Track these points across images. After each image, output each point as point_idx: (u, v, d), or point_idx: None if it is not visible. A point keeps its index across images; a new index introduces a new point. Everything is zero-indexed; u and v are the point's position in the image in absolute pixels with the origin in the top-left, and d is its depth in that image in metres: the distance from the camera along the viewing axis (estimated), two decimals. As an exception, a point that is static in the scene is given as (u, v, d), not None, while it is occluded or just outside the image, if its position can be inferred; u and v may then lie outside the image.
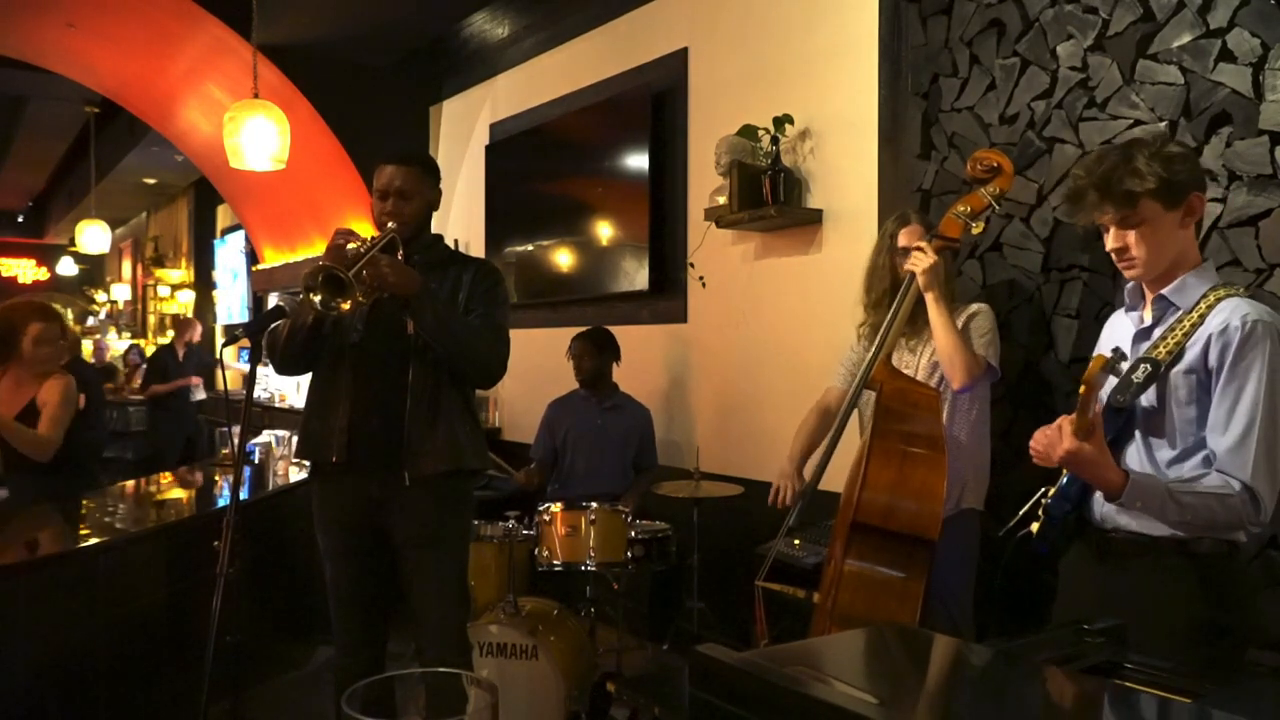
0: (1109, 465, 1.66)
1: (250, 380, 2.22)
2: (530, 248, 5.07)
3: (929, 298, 2.42)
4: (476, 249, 5.42)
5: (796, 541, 2.93)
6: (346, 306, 2.23)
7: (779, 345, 3.70)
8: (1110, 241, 1.78)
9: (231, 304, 9.37)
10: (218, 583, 2.03)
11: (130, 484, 4.09)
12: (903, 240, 2.59)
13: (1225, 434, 1.66)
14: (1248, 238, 2.33)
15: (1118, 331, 1.91)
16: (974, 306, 2.56)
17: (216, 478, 4.11)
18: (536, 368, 4.67)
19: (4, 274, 15.11)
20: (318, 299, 2.22)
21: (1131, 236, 1.74)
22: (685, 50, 4.15)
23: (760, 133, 3.52)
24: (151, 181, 10.67)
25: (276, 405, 7.33)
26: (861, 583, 2.25)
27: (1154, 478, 1.68)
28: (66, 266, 14.22)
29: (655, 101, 4.23)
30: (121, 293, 13.72)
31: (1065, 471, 1.79)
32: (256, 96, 4.02)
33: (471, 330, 2.47)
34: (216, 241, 10.00)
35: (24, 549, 2.80)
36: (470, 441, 2.53)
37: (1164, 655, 1.37)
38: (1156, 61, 2.50)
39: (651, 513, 3.55)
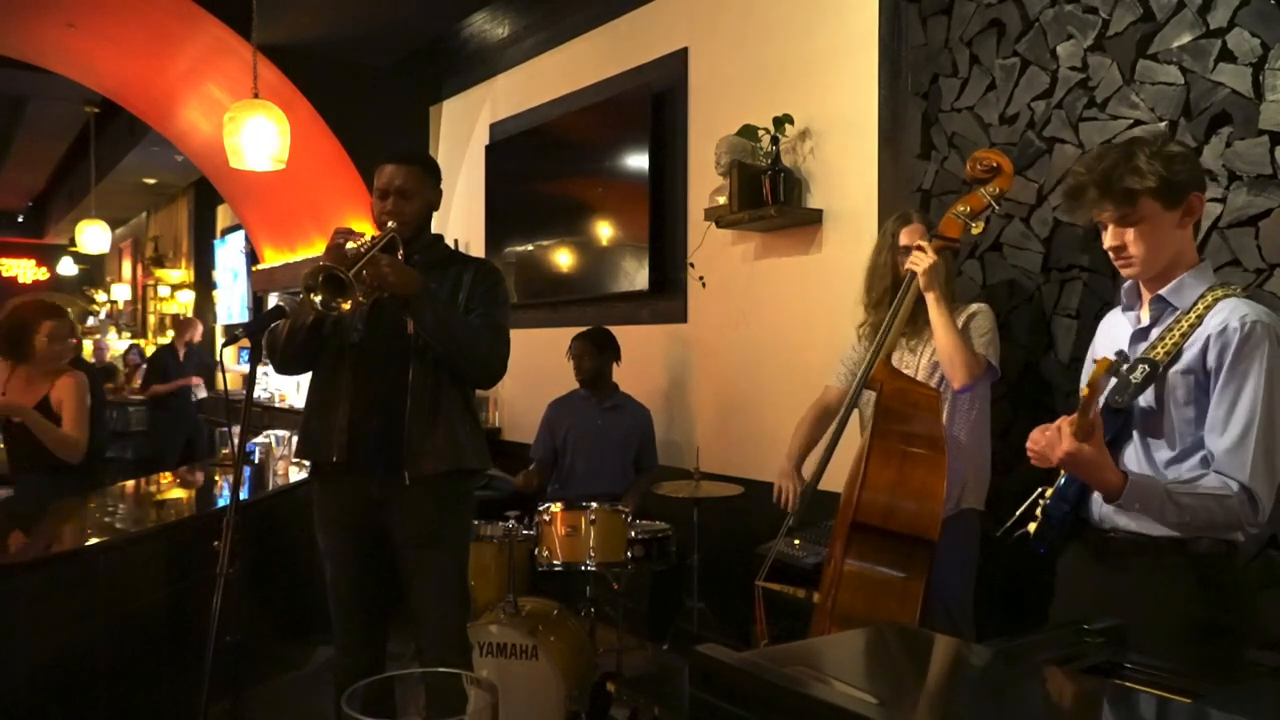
0: (1108, 466, 1.66)
1: (250, 380, 2.22)
2: (530, 248, 5.07)
3: (930, 298, 2.42)
4: (476, 249, 5.42)
5: (796, 541, 2.93)
6: (347, 306, 2.23)
7: (779, 345, 3.70)
8: (1108, 239, 1.78)
9: (231, 304, 9.37)
10: (218, 583, 2.03)
11: (130, 484, 4.09)
12: (904, 239, 2.59)
13: (1223, 435, 1.66)
14: (1248, 238, 2.33)
15: (1114, 331, 1.91)
16: (974, 306, 2.56)
17: (216, 478, 4.11)
18: (536, 368, 4.67)
19: (4, 274, 15.12)
20: (318, 299, 2.22)
21: (1130, 235, 1.74)
22: (685, 50, 4.15)
23: (760, 133, 3.52)
24: (151, 181, 10.66)
25: (276, 405, 7.33)
26: (861, 583, 2.25)
27: (1152, 479, 1.68)
28: (66, 266, 14.22)
29: (655, 101, 4.23)
30: (121, 293, 13.72)
31: (1063, 472, 1.79)
32: (256, 96, 4.02)
33: (472, 330, 2.47)
34: (216, 241, 10.00)
35: (24, 549, 2.80)
36: (470, 441, 2.53)
37: (1163, 655, 1.37)
38: (1156, 61, 2.50)
39: (651, 513, 3.55)
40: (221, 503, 3.56)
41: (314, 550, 2.58)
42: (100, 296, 14.68)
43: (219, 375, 8.13)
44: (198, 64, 5.88)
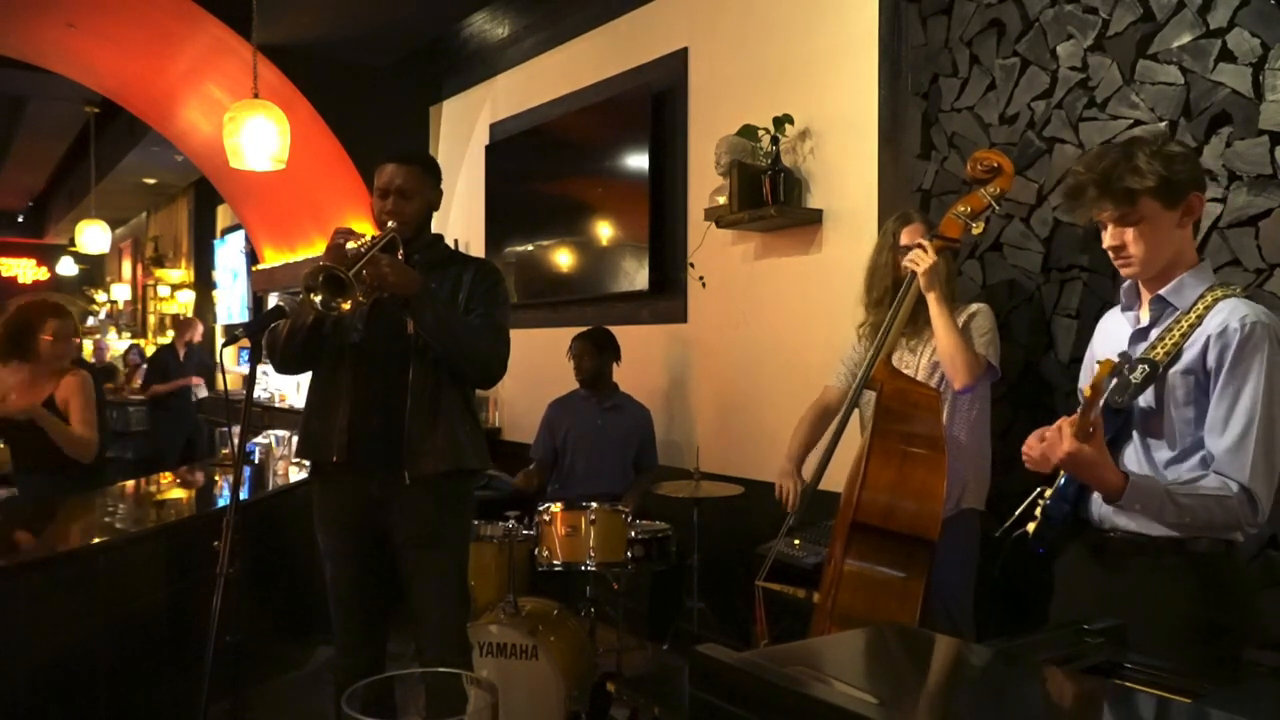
0: (1109, 467, 1.66)
1: (250, 380, 2.22)
2: (530, 248, 5.07)
3: (930, 298, 2.42)
4: (476, 249, 5.42)
5: (796, 541, 2.93)
6: (347, 306, 2.23)
7: (779, 345, 3.70)
8: (1108, 239, 1.78)
9: (231, 304, 9.37)
10: (218, 583, 2.03)
11: (130, 484, 4.09)
12: (905, 239, 2.59)
13: (1223, 436, 1.66)
14: (1248, 238, 2.33)
15: (1113, 331, 1.91)
16: (974, 306, 2.56)
17: (216, 478, 4.11)
18: (536, 368, 4.67)
19: (4, 274, 15.12)
20: (318, 299, 2.22)
21: (1129, 234, 1.74)
22: (685, 50, 4.15)
23: (760, 133, 3.52)
24: (151, 181, 10.66)
25: (276, 405, 7.33)
26: (861, 583, 2.25)
27: (1153, 479, 1.68)
28: (66, 266, 14.22)
29: (655, 101, 4.23)
30: (121, 293, 13.72)
31: (1062, 472, 1.79)
32: (256, 96, 4.02)
33: (472, 330, 2.47)
34: (216, 241, 10.01)
35: (24, 549, 2.80)
36: (470, 441, 2.53)
37: (1162, 654, 1.37)
38: (1156, 61, 2.50)
39: (651, 513, 3.55)
40: (221, 503, 3.56)
41: (314, 550, 2.58)
42: (100, 296, 14.68)
43: (219, 375, 8.12)
44: (198, 64, 5.88)
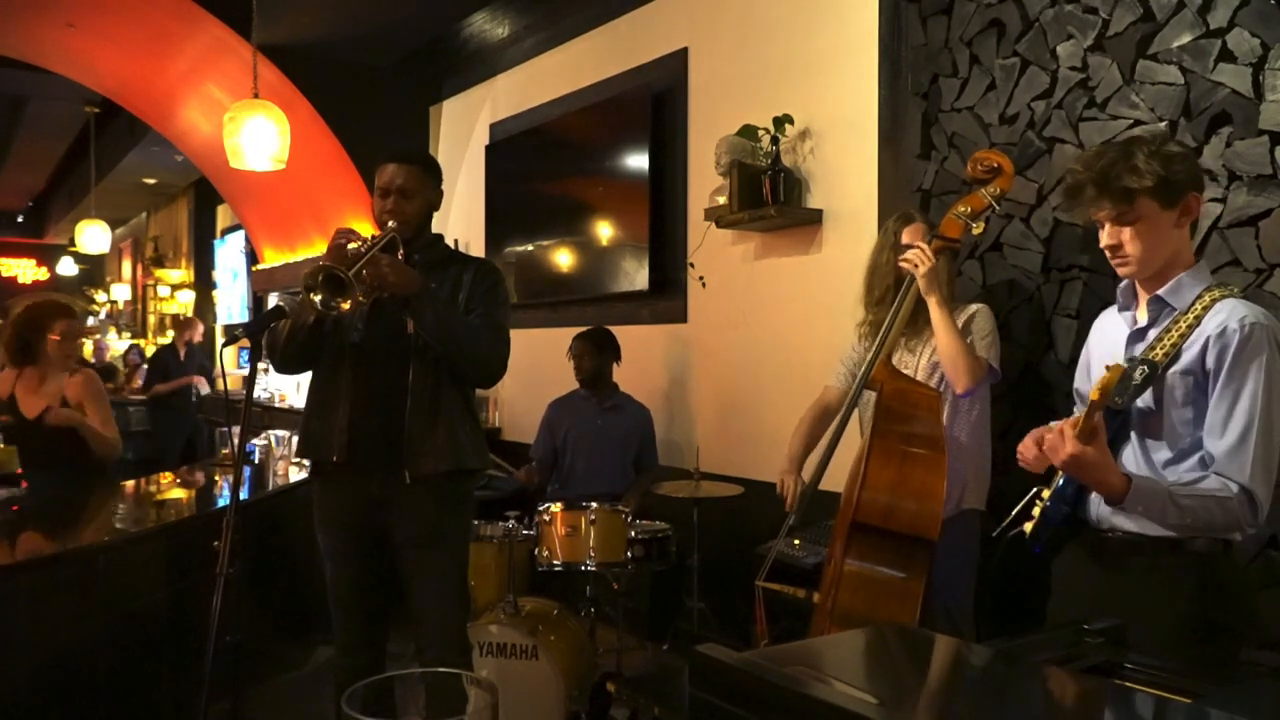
0: (1112, 469, 1.66)
1: (250, 380, 2.22)
2: (530, 248, 5.07)
3: (931, 302, 2.42)
4: (476, 249, 5.42)
5: (796, 541, 2.94)
6: (347, 306, 2.23)
7: (779, 345, 3.70)
8: (1105, 238, 1.78)
9: (231, 304, 9.37)
10: (218, 583, 2.03)
11: (130, 484, 4.09)
12: (906, 239, 2.59)
13: (1223, 437, 1.66)
14: (1248, 238, 2.33)
15: (1110, 331, 1.91)
16: (974, 307, 2.56)
17: (216, 478, 4.11)
18: (536, 368, 4.67)
19: (4, 274, 15.12)
20: (318, 298, 2.22)
21: (1126, 234, 1.74)
22: (685, 50, 4.15)
23: (760, 133, 3.52)
24: (151, 181, 10.67)
25: (276, 405, 7.33)
26: (861, 583, 2.25)
27: (1154, 481, 1.68)
28: (66, 266, 14.22)
29: (655, 101, 4.23)
30: (121, 293, 13.72)
31: (1061, 473, 1.79)
32: (256, 96, 4.02)
33: (472, 330, 2.47)
34: (216, 241, 10.01)
35: (24, 549, 2.81)
36: (470, 441, 2.53)
37: (1161, 654, 1.37)
38: (1156, 61, 2.50)
39: (651, 513, 3.55)
40: (221, 503, 3.56)
41: (314, 550, 2.58)
42: (100, 296, 14.68)
43: (219, 377, 8.13)
44: (198, 64, 5.88)
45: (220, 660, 2.00)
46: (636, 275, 4.29)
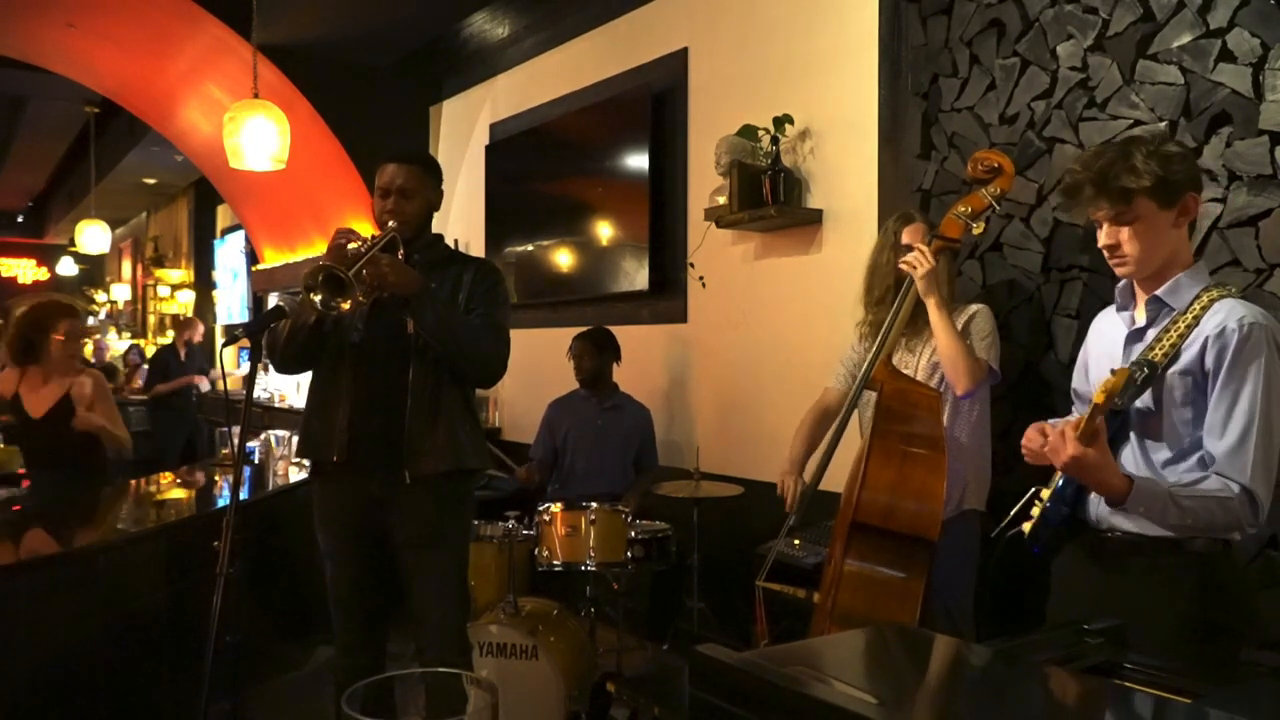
0: (1113, 471, 1.66)
1: (250, 380, 2.22)
2: (530, 248, 5.07)
3: (930, 304, 2.42)
4: (476, 249, 5.42)
5: (796, 541, 2.93)
6: (347, 306, 2.23)
7: (779, 345, 3.70)
8: (1103, 238, 1.78)
9: (231, 304, 9.37)
10: (218, 583, 2.03)
11: (130, 484, 4.09)
12: (906, 238, 2.59)
13: (1223, 437, 1.66)
14: (1248, 238, 2.33)
15: (1108, 331, 1.91)
16: (973, 307, 2.56)
17: (216, 478, 4.11)
18: (536, 368, 4.67)
19: (4, 274, 15.12)
20: (318, 298, 2.22)
21: (1124, 233, 1.74)
22: (685, 50, 4.15)
23: (760, 133, 3.52)
24: (151, 181, 10.67)
25: (276, 405, 7.33)
26: (861, 583, 2.25)
27: (1155, 482, 1.68)
28: (66, 266, 14.22)
29: (655, 101, 4.23)
30: (121, 293, 13.72)
31: (1060, 474, 1.79)
32: (256, 96, 4.02)
33: (472, 330, 2.47)
34: (216, 241, 10.01)
35: (24, 549, 2.80)
36: (470, 441, 2.53)
37: (1161, 654, 1.37)
38: (1156, 61, 2.50)
39: (651, 513, 3.55)
40: (221, 503, 3.56)
41: (314, 550, 2.58)
42: (100, 296, 14.68)
43: (219, 377, 8.14)
44: (198, 64, 5.88)
45: (220, 660, 2.00)
46: (636, 275, 4.29)
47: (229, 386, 7.70)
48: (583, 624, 3.28)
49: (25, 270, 15.33)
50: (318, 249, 6.55)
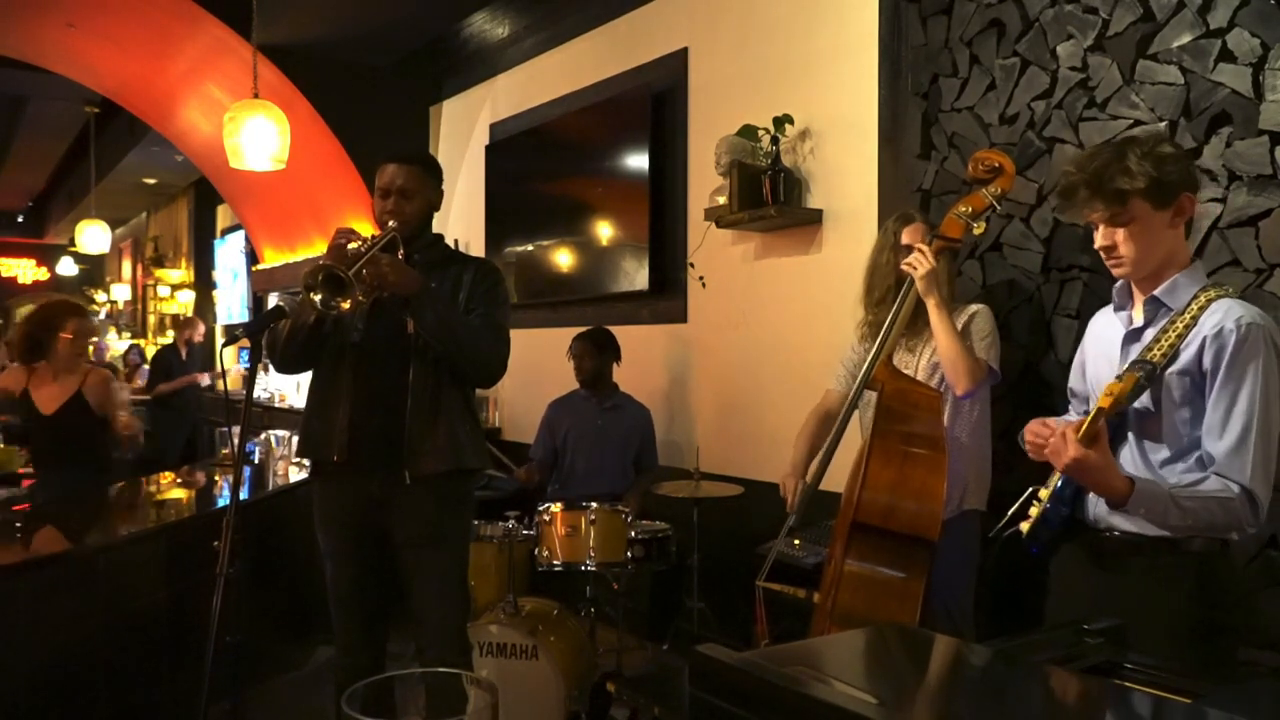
0: (1115, 473, 1.66)
1: (250, 380, 2.22)
2: (530, 248, 5.07)
3: (930, 304, 2.42)
4: (476, 249, 5.42)
5: (797, 541, 2.93)
6: (347, 305, 2.23)
7: (779, 345, 3.70)
8: (1099, 239, 1.78)
9: (231, 304, 9.37)
10: (218, 583, 2.03)
11: (130, 484, 4.09)
12: (906, 239, 2.59)
13: (1222, 438, 1.66)
14: (1248, 238, 2.33)
15: (1105, 331, 1.92)
16: (973, 307, 2.56)
17: (216, 478, 4.11)
18: (536, 368, 4.67)
19: (4, 274, 15.12)
20: (318, 298, 2.22)
21: (1120, 235, 1.75)
22: (685, 50, 4.15)
23: (760, 133, 3.52)
24: (151, 181, 10.66)
25: (276, 405, 7.33)
26: (861, 583, 2.25)
27: (1156, 483, 1.68)
28: (66, 266, 14.22)
29: (655, 101, 4.23)
30: (121, 293, 13.72)
31: (1059, 474, 1.79)
32: (256, 96, 4.02)
33: (472, 330, 2.47)
34: (216, 241, 10.00)
35: (24, 549, 2.80)
36: (470, 441, 2.53)
37: (1160, 654, 1.37)
38: (1156, 61, 2.50)
39: (651, 513, 3.55)
40: (221, 503, 3.56)
41: (314, 550, 2.58)
42: (100, 296, 14.68)
43: (219, 378, 8.14)
44: (198, 64, 5.88)
45: (220, 660, 2.00)
46: (636, 275, 4.29)
47: (229, 386, 7.70)
48: (583, 624, 3.28)
49: (25, 270, 15.32)
50: (318, 249, 6.55)
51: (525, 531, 3.30)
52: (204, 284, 10.58)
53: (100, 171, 9.34)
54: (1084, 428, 1.63)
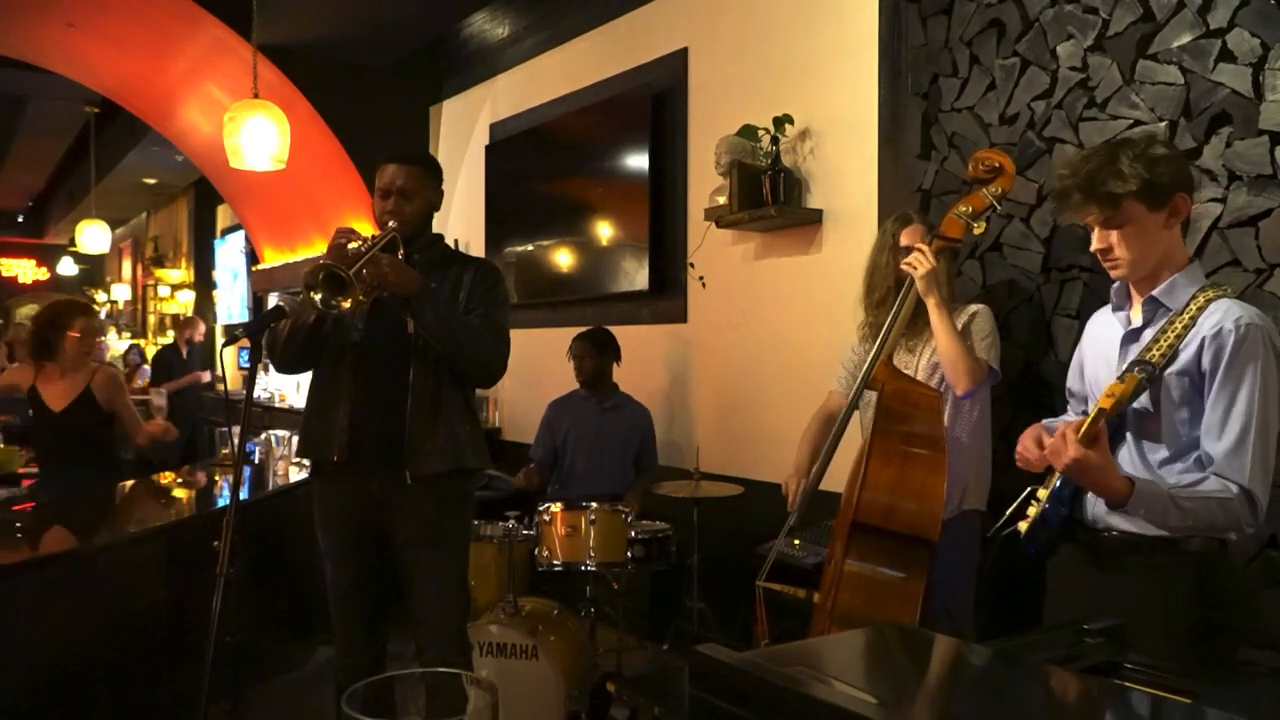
0: (1114, 473, 1.66)
1: (250, 380, 2.22)
2: (530, 248, 5.07)
3: (930, 303, 2.42)
4: (476, 249, 5.42)
5: (797, 541, 2.93)
6: (347, 305, 2.23)
7: (779, 345, 3.70)
8: (1095, 242, 1.79)
9: (231, 304, 9.37)
10: (218, 583, 2.03)
11: (130, 484, 4.09)
12: (904, 240, 2.59)
13: (1221, 438, 1.66)
14: (1248, 238, 2.33)
15: (1103, 332, 1.92)
16: (974, 307, 2.56)
17: (216, 478, 4.11)
18: (536, 368, 4.67)
19: (4, 274, 15.12)
20: (318, 297, 2.22)
21: (1115, 237, 1.75)
22: (685, 50, 4.15)
23: (760, 133, 3.52)
24: (151, 181, 10.66)
25: (276, 405, 7.33)
26: (861, 583, 2.25)
27: (1155, 484, 1.68)
28: (66, 266, 14.22)
29: (655, 101, 4.23)
30: (121, 293, 13.72)
31: (1058, 474, 1.79)
32: (256, 96, 4.02)
33: (472, 330, 2.48)
34: (216, 241, 10.00)
35: (24, 549, 2.81)
36: (470, 441, 2.53)
37: (1159, 654, 1.37)
38: (1156, 61, 2.50)
39: (651, 513, 3.55)
40: (221, 503, 3.56)
41: (314, 550, 2.58)
42: (100, 296, 14.68)
43: (219, 380, 8.15)
44: (198, 64, 5.88)
45: (220, 660, 2.00)
46: (636, 275, 4.29)
47: (229, 386, 7.71)
48: (583, 624, 3.28)
49: (25, 270, 15.32)
50: (318, 249, 6.55)
51: (525, 531, 3.30)
52: (204, 284, 10.58)
53: (100, 171, 9.34)
54: (1084, 428, 1.63)
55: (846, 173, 3.40)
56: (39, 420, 3.74)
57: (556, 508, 3.24)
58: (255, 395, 2.54)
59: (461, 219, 5.74)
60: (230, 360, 8.32)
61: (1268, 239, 2.29)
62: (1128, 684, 1.24)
